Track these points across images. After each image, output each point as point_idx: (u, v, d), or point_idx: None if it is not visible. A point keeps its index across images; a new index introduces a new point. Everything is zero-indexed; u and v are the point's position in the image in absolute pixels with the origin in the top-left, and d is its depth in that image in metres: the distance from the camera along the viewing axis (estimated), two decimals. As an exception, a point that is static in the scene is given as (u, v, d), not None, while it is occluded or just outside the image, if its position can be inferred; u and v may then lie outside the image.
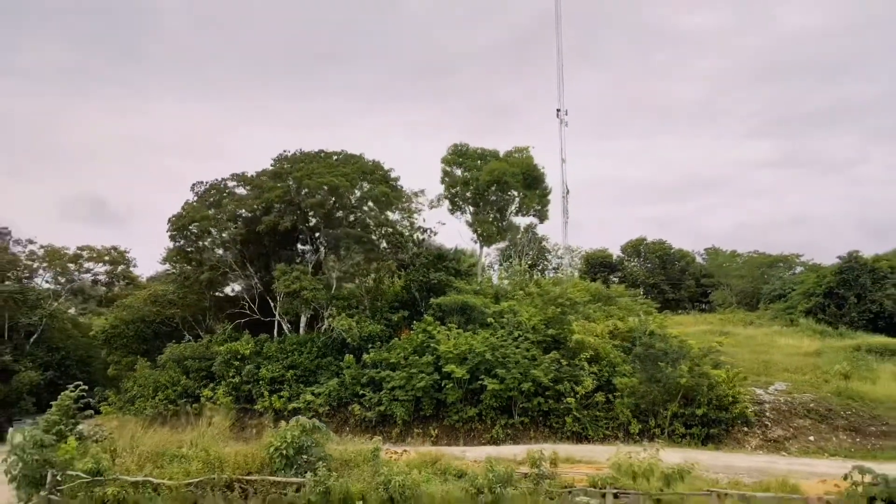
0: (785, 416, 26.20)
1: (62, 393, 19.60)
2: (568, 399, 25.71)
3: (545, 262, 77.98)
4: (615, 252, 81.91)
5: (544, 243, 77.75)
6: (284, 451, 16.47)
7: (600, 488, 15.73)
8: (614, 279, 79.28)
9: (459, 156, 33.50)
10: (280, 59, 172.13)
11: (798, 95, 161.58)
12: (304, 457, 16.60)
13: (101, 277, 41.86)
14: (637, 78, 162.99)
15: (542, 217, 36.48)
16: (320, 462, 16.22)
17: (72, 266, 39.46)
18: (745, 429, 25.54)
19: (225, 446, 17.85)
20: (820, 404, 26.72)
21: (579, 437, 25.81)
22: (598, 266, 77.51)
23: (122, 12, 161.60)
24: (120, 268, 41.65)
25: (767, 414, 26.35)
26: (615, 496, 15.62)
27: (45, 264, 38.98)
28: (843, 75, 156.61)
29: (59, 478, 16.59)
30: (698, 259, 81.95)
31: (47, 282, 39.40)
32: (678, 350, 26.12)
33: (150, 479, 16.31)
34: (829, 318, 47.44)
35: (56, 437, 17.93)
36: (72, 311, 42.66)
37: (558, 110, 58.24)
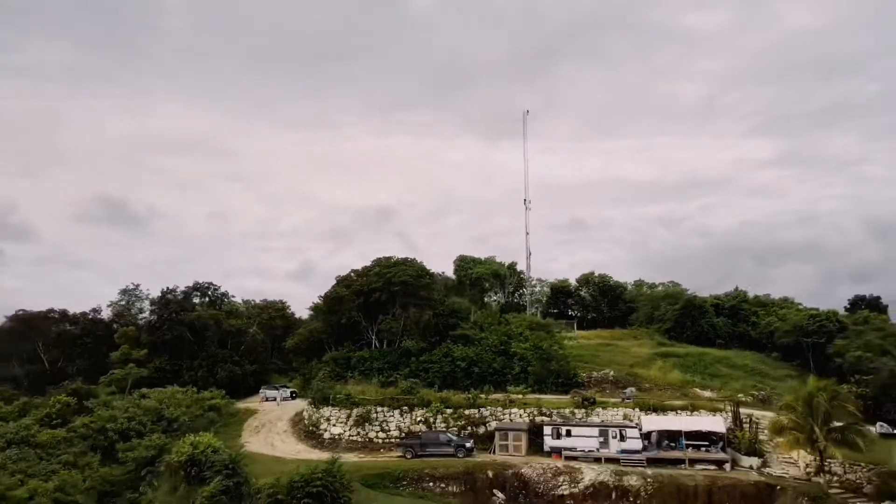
0: (599, 383, 61.57)
1: (321, 370, 55.41)
2: (508, 376, 61.02)
3: (522, 290, 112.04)
4: (573, 282, 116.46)
5: (521, 276, 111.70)
6: (407, 389, 52.28)
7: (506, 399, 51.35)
8: (571, 301, 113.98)
9: (462, 261, 69.04)
10: (283, 59, 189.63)
11: (799, 94, 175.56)
12: (412, 390, 52.30)
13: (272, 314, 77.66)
14: (639, 77, 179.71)
15: (505, 291, 72.23)
16: (417, 392, 51.98)
17: (257, 310, 74.97)
18: (579, 388, 60.77)
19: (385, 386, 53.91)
20: (617, 378, 62.05)
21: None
22: (559, 293, 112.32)
23: (125, 12, 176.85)
24: (280, 313, 77.61)
25: (592, 382, 61.66)
26: (509, 402, 51.25)
27: (242, 309, 74.51)
28: (843, 74, 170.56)
29: (338, 396, 52.31)
30: (630, 288, 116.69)
31: (244, 317, 74.75)
32: (554, 354, 61.55)
33: (365, 397, 52.03)
34: (676, 335, 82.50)
35: (325, 376, 53.79)
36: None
37: (525, 199, 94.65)
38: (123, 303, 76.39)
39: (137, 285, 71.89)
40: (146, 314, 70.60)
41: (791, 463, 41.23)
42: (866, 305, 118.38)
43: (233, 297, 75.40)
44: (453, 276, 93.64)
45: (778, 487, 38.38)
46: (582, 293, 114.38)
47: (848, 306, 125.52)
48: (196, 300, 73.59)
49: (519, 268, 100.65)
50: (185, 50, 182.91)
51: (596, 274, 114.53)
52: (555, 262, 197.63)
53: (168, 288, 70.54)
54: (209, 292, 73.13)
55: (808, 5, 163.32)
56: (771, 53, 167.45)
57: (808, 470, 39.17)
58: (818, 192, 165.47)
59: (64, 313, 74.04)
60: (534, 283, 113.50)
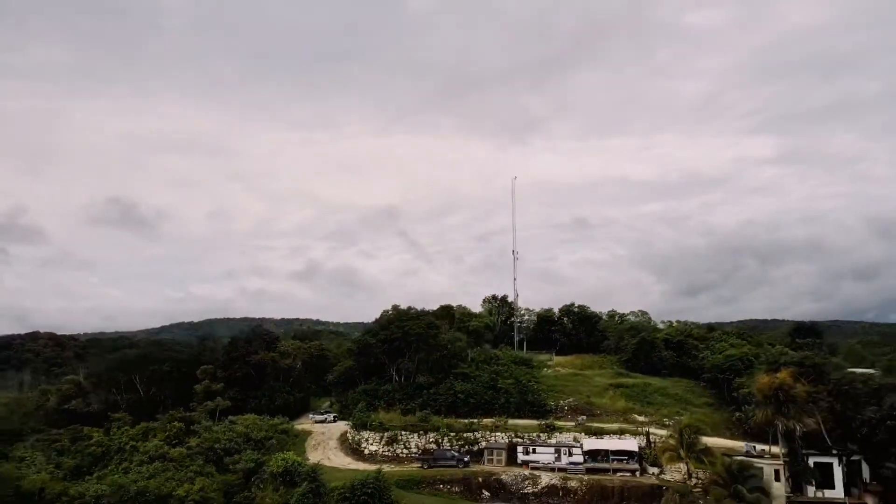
0: (563, 410, 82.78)
1: (358, 400, 76.82)
2: (495, 406, 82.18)
3: (512, 319, 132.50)
4: (556, 311, 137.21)
5: (512, 306, 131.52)
6: (423, 417, 73.70)
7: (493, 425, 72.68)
8: (554, 328, 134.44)
9: (462, 315, 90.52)
10: (284, 59, 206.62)
11: (800, 92, 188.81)
12: (426, 418, 73.69)
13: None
14: (640, 75, 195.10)
15: (494, 333, 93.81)
16: (430, 420, 73.38)
17: (303, 351, 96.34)
18: (548, 414, 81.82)
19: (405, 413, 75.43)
20: (577, 406, 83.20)
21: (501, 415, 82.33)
22: (544, 321, 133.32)
23: (126, 12, 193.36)
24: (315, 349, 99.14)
25: (558, 409, 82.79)
26: (494, 427, 72.58)
27: (291, 349, 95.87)
28: (844, 72, 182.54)
29: (373, 423, 73.62)
30: (604, 317, 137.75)
31: (291, 356, 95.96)
32: (531, 388, 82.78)
33: (393, 423, 73.34)
34: (632, 365, 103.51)
35: (363, 408, 75.23)
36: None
37: (514, 251, 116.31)
38: (199, 346, 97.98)
39: (210, 333, 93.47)
40: (218, 355, 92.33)
41: (679, 472, 62.41)
42: (805, 332, 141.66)
43: (277, 334, 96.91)
44: (454, 306, 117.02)
45: (664, 487, 59.58)
46: (564, 321, 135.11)
47: (791, 331, 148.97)
48: (256, 344, 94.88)
49: (508, 295, 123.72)
50: (186, 49, 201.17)
51: (576, 305, 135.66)
52: (554, 261, 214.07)
53: (237, 336, 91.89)
54: (266, 338, 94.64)
55: (808, 3, 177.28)
56: (772, 51, 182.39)
57: (684, 476, 60.38)
58: (819, 190, 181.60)
59: (156, 354, 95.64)
60: (522, 313, 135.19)
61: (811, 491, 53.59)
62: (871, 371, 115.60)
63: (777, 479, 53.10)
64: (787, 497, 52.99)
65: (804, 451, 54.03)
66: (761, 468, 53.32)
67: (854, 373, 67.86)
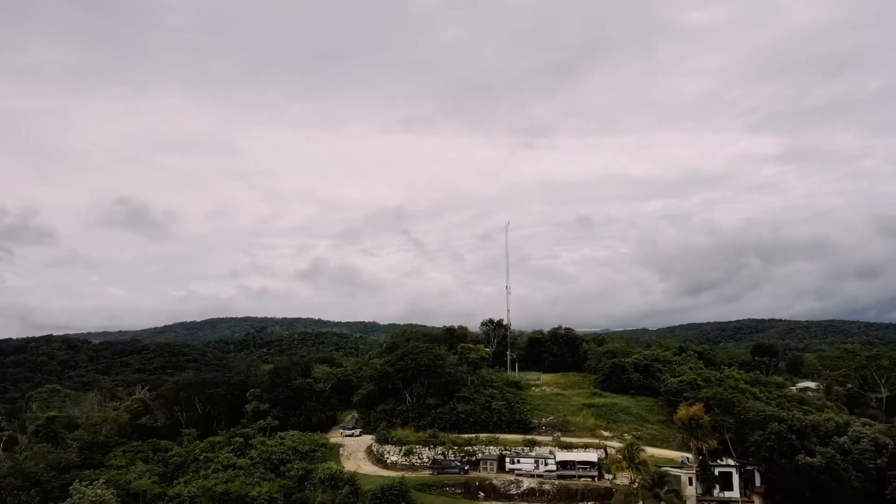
0: (544, 425, 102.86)
1: (379, 419, 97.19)
2: (490, 423, 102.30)
3: (506, 340, 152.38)
4: (545, 332, 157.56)
5: (507, 329, 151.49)
6: (432, 434, 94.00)
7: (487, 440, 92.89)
8: (543, 349, 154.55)
9: (463, 348, 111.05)
10: (285, 58, 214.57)
11: (801, 90, 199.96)
12: (435, 435, 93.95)
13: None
14: (641, 73, 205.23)
15: (488, 362, 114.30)
16: (438, 436, 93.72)
17: (332, 377, 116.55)
18: (531, 430, 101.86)
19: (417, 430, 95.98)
20: (556, 422, 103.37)
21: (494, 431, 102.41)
22: (534, 342, 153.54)
23: (127, 10, 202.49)
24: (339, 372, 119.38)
25: (540, 425, 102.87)
26: (489, 442, 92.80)
27: (322, 375, 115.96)
28: (845, 70, 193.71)
29: (393, 438, 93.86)
30: (589, 338, 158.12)
31: (323, 380, 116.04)
32: (518, 409, 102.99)
33: (408, 438, 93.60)
34: (606, 385, 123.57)
35: (384, 427, 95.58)
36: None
37: (507, 286, 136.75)
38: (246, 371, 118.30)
39: (254, 360, 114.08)
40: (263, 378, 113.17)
41: (626, 478, 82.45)
42: (763, 352, 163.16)
43: (310, 363, 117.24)
44: (455, 327, 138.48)
45: (615, 490, 79.73)
46: (552, 343, 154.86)
47: (752, 350, 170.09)
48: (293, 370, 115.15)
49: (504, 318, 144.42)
50: (188, 48, 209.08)
51: (563, 328, 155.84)
52: (557, 258, 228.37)
53: (280, 364, 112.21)
54: (302, 366, 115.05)
55: (809, 2, 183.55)
56: (773, 49, 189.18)
57: (630, 482, 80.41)
58: (821, 187, 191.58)
59: (214, 380, 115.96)
60: (516, 334, 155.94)
61: (716, 493, 73.71)
62: (811, 384, 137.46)
63: (691, 483, 73.23)
64: (698, 497, 73.11)
65: (711, 463, 74.23)
66: (678, 476, 73.47)
67: (759, 405, 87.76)
